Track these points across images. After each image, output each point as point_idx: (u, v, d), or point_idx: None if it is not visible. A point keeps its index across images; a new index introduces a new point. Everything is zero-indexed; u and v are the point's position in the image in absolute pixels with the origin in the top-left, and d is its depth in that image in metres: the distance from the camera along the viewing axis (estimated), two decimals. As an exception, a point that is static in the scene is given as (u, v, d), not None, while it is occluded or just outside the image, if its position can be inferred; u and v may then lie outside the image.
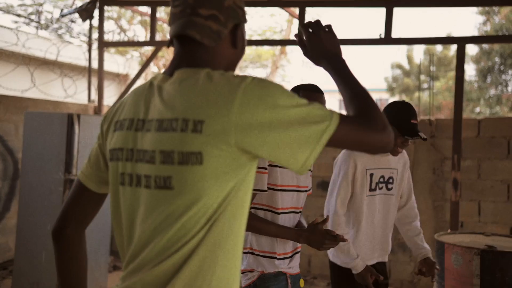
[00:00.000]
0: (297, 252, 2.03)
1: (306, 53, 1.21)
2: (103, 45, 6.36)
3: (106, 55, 6.68)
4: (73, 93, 6.45)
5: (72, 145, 3.78)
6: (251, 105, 0.94)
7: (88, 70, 6.31)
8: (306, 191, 2.04)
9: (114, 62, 7.84)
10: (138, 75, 5.98)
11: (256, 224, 1.86)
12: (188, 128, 0.96)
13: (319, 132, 0.96)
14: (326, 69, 1.16)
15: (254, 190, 1.80)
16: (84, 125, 3.86)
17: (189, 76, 1.02)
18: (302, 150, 0.96)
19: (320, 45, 1.17)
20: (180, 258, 0.95)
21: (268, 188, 1.88)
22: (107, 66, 6.85)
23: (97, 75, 6.05)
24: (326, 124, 0.96)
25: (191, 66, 1.04)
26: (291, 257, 2.00)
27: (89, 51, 6.37)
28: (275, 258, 1.94)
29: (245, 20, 1.11)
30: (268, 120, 0.94)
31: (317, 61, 1.19)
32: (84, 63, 6.80)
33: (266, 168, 1.87)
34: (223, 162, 0.95)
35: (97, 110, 6.17)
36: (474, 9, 16.13)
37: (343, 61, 1.15)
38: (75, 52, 7.08)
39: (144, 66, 6.10)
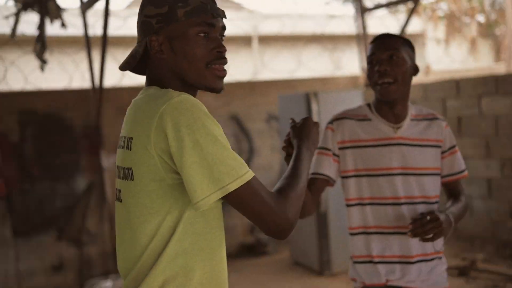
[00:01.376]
0: (425, 261, 1.54)
1: (293, 130, 1.35)
2: (363, 10, 6.26)
3: (373, 21, 6.54)
4: (343, 65, 6.58)
5: (313, 123, 3.87)
6: (167, 129, 0.97)
7: (357, 39, 6.31)
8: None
9: (382, 25, 7.58)
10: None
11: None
12: (125, 145, 1.07)
13: (228, 178, 0.97)
14: (295, 147, 1.28)
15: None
16: (323, 102, 3.89)
17: (141, 95, 1.10)
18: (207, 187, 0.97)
19: (302, 131, 1.32)
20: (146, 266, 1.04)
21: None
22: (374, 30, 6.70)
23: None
24: (237, 175, 0.97)
25: (147, 84, 1.13)
26: (405, 263, 1.52)
27: (361, 16, 6.31)
28: (371, 262, 1.54)
29: (166, 24, 1.07)
30: (182, 146, 0.97)
31: (295, 139, 1.32)
32: (349, 31, 6.81)
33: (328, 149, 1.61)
34: (151, 179, 1.01)
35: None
36: None
37: (305, 150, 1.25)
38: (339, 23, 7.16)
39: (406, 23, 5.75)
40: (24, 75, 4.58)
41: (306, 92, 4.03)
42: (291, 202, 1.04)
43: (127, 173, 1.06)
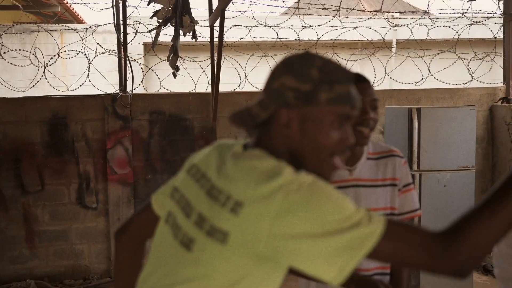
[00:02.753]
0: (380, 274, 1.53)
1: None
2: (510, 17, 5.71)
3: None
4: (479, 75, 6.05)
5: (412, 139, 3.71)
6: (286, 220, 0.91)
7: (503, 46, 5.77)
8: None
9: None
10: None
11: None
12: (219, 199, 0.98)
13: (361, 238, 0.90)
14: None
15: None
16: (425, 118, 3.71)
17: (248, 157, 1.02)
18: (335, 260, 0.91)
19: None
20: None
21: None
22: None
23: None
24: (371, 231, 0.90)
25: (256, 146, 1.06)
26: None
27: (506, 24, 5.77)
28: None
29: (304, 102, 1.00)
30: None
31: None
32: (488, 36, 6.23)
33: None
34: (244, 251, 0.94)
35: (506, 94, 5.59)
36: None
37: None
38: (479, 27, 6.56)
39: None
40: (159, 80, 5.24)
41: (409, 106, 3.88)
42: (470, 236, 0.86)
43: (218, 234, 0.96)
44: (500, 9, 5.99)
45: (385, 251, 0.89)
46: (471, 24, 6.18)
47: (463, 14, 6.18)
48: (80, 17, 8.59)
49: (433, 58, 6.04)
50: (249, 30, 5.57)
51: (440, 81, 5.86)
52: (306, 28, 5.76)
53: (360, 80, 1.56)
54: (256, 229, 0.91)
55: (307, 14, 6.53)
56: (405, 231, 0.90)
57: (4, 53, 5.01)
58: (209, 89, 5.07)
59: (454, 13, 6.51)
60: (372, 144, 1.64)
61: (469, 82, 5.94)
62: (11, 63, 5.11)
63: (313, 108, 1.00)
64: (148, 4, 4.79)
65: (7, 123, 4.53)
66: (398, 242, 0.89)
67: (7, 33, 5.39)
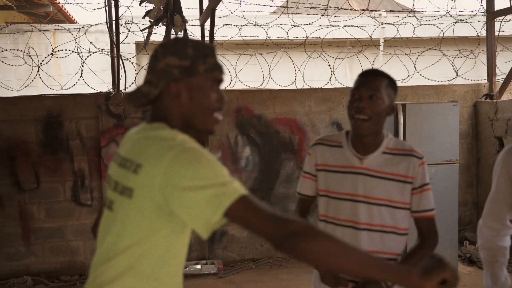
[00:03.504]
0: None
1: None
2: (492, 15, 5.88)
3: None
4: (463, 72, 6.21)
5: (397, 134, 3.85)
6: (172, 174, 1.14)
7: (487, 44, 5.93)
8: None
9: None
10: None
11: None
12: (130, 167, 1.24)
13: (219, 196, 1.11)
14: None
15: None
16: (410, 114, 3.85)
17: (149, 126, 1.30)
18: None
19: None
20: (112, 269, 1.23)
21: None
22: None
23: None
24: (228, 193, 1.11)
25: (151, 118, 1.32)
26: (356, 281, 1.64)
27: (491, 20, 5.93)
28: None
29: (187, 75, 1.26)
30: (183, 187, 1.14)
31: None
32: (472, 34, 6.39)
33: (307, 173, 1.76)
34: (150, 204, 1.18)
35: (489, 90, 5.76)
36: None
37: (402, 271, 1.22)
38: (463, 25, 6.73)
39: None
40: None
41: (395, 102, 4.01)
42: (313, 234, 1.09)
43: (126, 191, 1.21)
44: (483, 7, 6.15)
45: (238, 214, 1.11)
46: (456, 22, 6.35)
47: (447, 12, 6.34)
48: (72, 17, 8.64)
49: (419, 55, 6.20)
50: (239, 29, 5.68)
51: (425, 78, 6.01)
52: (295, 26, 5.88)
53: (365, 74, 1.71)
54: (152, 182, 1.15)
55: (296, 13, 6.65)
56: (259, 205, 1.12)
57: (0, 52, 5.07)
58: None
59: (439, 11, 6.67)
60: (395, 141, 1.75)
61: (454, 79, 6.11)
62: (5, 63, 5.18)
63: (195, 78, 1.27)
64: (140, 4, 4.88)
65: (2, 122, 4.60)
66: (250, 211, 1.11)
67: (1, 33, 5.45)
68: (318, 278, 1.73)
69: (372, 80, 1.67)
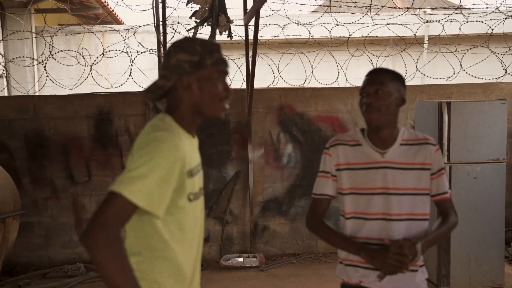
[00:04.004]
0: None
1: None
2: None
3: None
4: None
5: (442, 132, 3.82)
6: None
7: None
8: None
9: None
10: None
11: (318, 230, 1.82)
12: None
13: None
14: None
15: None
16: (455, 112, 3.81)
17: (153, 119, 1.49)
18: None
19: None
20: None
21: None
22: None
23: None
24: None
25: (165, 109, 1.51)
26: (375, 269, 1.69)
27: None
28: (351, 265, 1.77)
29: (196, 69, 1.44)
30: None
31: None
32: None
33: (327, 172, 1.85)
34: None
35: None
36: None
37: None
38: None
39: None
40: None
41: (440, 100, 3.97)
42: (109, 245, 1.24)
43: (125, 168, 1.41)
44: (534, 3, 5.95)
45: (105, 199, 1.28)
46: (505, 19, 6.17)
47: (497, 8, 6.18)
48: (120, 18, 8.96)
49: (465, 53, 6.07)
50: (282, 28, 5.75)
51: (472, 76, 5.88)
52: (337, 25, 5.90)
53: (369, 73, 1.80)
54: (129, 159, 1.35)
55: (339, 12, 6.65)
56: (112, 210, 1.26)
57: (55, 53, 5.35)
58: (244, 86, 5.28)
59: (487, 7, 6.51)
60: (408, 132, 1.83)
61: (502, 76, 5.94)
62: (60, 63, 5.46)
63: (204, 71, 1.45)
64: (187, 5, 5.03)
65: (57, 119, 4.87)
66: (105, 204, 1.26)
67: (57, 35, 5.74)
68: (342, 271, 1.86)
69: (376, 77, 1.77)
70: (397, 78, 1.79)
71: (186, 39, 1.49)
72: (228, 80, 1.53)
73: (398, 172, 1.76)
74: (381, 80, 1.76)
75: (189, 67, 1.45)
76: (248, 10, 5.51)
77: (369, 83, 1.77)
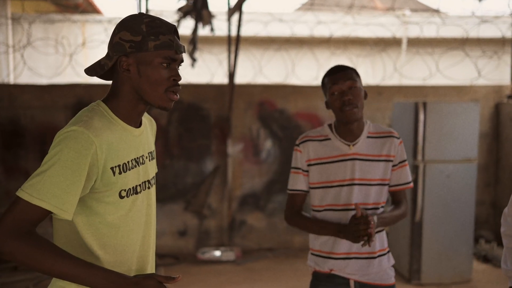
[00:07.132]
0: (369, 258, 1.84)
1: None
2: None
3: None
4: (486, 73, 6.22)
5: (417, 131, 3.93)
6: None
7: None
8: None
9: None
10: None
11: (297, 222, 1.89)
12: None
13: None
14: None
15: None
16: (431, 112, 3.92)
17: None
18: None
19: None
20: None
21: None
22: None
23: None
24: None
25: (109, 92, 1.38)
26: (348, 259, 1.82)
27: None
28: (330, 257, 1.86)
29: (137, 50, 1.31)
30: None
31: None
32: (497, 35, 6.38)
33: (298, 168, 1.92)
34: None
35: (513, 91, 5.77)
36: None
37: None
38: (489, 26, 6.71)
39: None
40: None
41: (416, 101, 4.08)
42: (24, 248, 1.18)
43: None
44: (510, 8, 6.14)
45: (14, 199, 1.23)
46: (481, 23, 6.35)
47: (473, 13, 6.35)
48: (99, 9, 8.85)
49: (441, 55, 6.23)
50: (265, 25, 5.79)
51: (448, 78, 6.04)
52: (319, 23, 5.97)
53: (335, 71, 1.86)
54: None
55: (321, 10, 6.73)
56: (15, 211, 1.21)
57: (33, 42, 5.27)
58: (226, 81, 5.31)
59: (464, 12, 6.68)
60: (374, 126, 1.93)
61: (476, 79, 6.12)
62: (38, 51, 5.38)
63: (144, 54, 1.31)
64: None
65: (34, 108, 4.80)
66: (12, 206, 1.22)
67: (35, 23, 5.65)
68: (313, 261, 1.94)
69: (345, 73, 1.85)
70: (357, 72, 1.89)
71: (134, 16, 1.35)
72: (179, 68, 1.37)
73: (366, 163, 1.86)
74: (351, 76, 1.84)
75: (129, 47, 1.31)
76: (231, 6, 5.53)
77: (341, 80, 1.83)
